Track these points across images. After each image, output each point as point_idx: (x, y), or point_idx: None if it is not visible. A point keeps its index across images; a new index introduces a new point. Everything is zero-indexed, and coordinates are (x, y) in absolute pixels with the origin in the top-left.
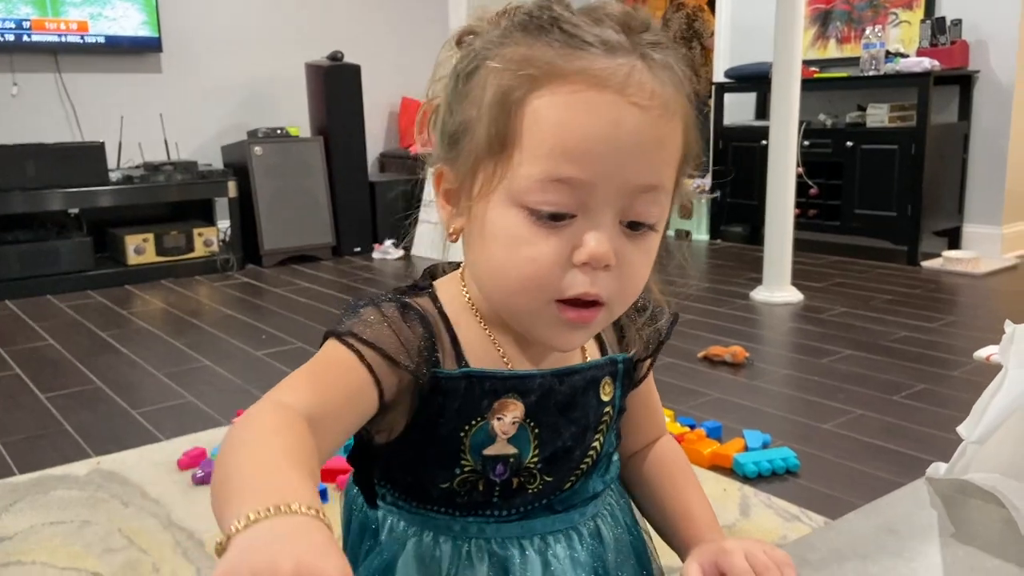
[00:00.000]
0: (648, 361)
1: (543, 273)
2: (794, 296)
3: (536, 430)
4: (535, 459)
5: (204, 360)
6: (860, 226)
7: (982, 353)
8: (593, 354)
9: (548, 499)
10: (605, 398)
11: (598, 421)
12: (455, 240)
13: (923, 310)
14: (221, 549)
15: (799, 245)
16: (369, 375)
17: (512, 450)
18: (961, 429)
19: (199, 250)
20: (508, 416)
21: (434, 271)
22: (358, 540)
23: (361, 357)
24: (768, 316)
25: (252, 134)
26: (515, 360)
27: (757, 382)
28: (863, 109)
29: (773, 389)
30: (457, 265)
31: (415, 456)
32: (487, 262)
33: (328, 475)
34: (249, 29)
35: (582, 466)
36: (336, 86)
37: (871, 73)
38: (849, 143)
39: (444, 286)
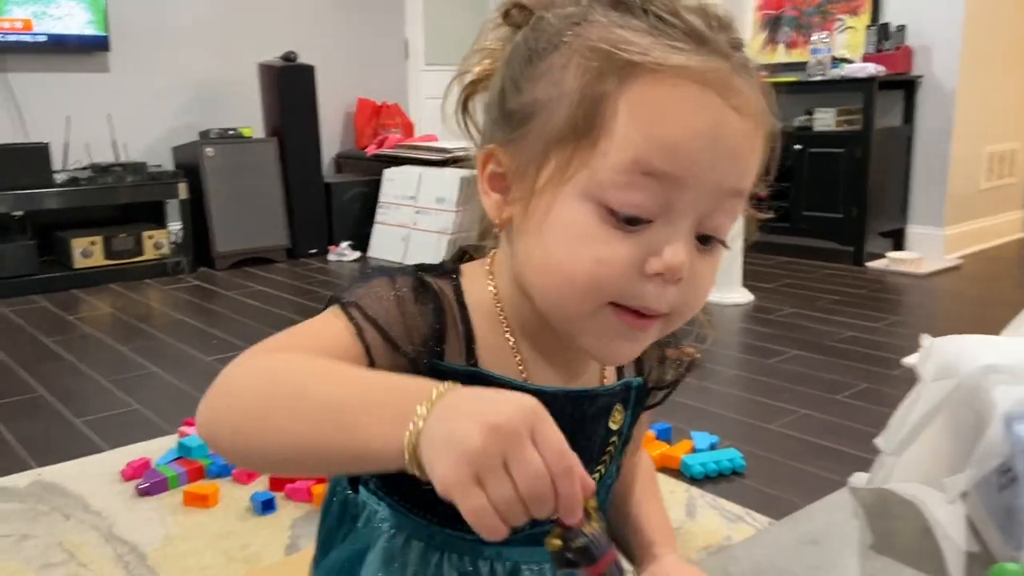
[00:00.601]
0: (663, 392)
1: (610, 277)
2: (744, 297)
3: None
4: None
5: (152, 367)
6: (808, 228)
7: (910, 360)
8: (611, 377)
9: (531, 529)
10: (614, 426)
11: (602, 451)
12: (502, 230)
13: (868, 310)
14: (413, 443)
15: (750, 246)
16: (364, 353)
17: None
18: (879, 441)
19: (149, 253)
20: None
21: (464, 253)
22: (337, 523)
23: (360, 332)
24: (719, 317)
25: (204, 135)
26: (533, 373)
27: (707, 383)
28: (811, 113)
29: (722, 390)
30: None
31: None
32: (543, 257)
33: (277, 484)
34: (200, 28)
35: None
36: (290, 86)
37: (818, 78)
38: (798, 146)
39: (471, 274)
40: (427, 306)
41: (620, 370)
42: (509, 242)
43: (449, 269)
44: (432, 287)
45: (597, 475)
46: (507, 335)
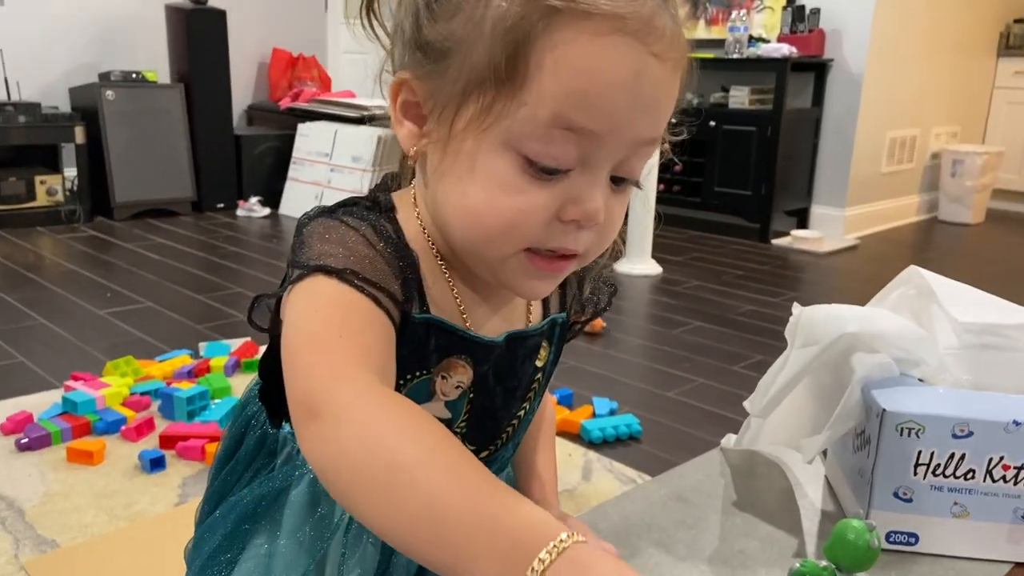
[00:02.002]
0: (580, 325)
1: (528, 225)
2: (653, 269)
3: (472, 396)
4: (463, 425)
5: (39, 318)
6: (719, 203)
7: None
8: (536, 315)
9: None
10: (539, 363)
11: (528, 388)
12: (414, 163)
13: (769, 285)
14: None
15: (663, 220)
16: (387, 320)
17: (446, 414)
18: (747, 404)
19: (41, 199)
20: (453, 379)
21: (388, 184)
22: (249, 459)
23: (377, 301)
24: (628, 287)
25: (104, 77)
26: (471, 313)
27: (611, 351)
28: (726, 91)
29: (625, 358)
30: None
31: None
32: (461, 201)
33: (168, 441)
34: None
35: (503, 435)
36: (199, 31)
37: (735, 56)
38: (712, 123)
39: (403, 208)
40: (402, 252)
41: (545, 305)
42: (424, 178)
43: (385, 206)
44: (391, 234)
45: (522, 412)
46: (446, 276)
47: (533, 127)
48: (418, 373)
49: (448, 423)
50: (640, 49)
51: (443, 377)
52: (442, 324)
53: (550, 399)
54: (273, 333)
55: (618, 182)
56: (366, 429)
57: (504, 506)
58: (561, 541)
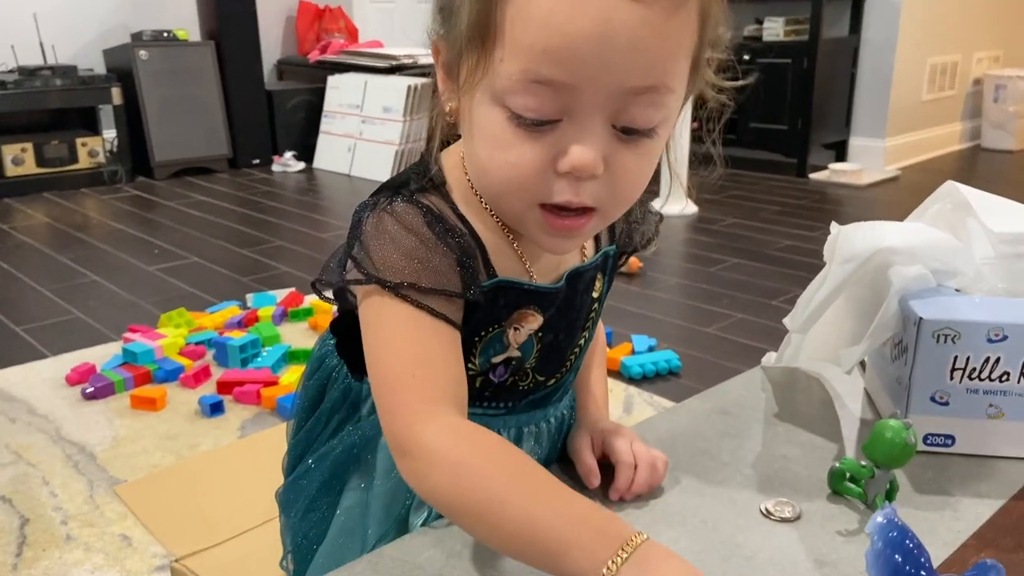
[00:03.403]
0: (628, 254)
1: (525, 179)
2: (689, 208)
3: (541, 335)
4: (533, 361)
5: (92, 275)
6: (755, 139)
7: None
8: (589, 248)
9: (534, 395)
10: (595, 295)
11: (586, 318)
12: (454, 122)
13: (808, 220)
14: None
15: (698, 159)
16: (449, 326)
17: (518, 355)
18: (786, 320)
19: (84, 161)
20: (525, 327)
21: (445, 142)
22: (333, 410)
23: (440, 317)
24: (664, 227)
25: (136, 37)
26: (533, 262)
27: (648, 291)
28: (760, 23)
29: (663, 297)
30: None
31: None
32: (473, 159)
33: (225, 387)
34: None
35: (567, 363)
36: None
37: None
38: (747, 56)
39: (451, 173)
40: (454, 241)
41: (597, 238)
42: (463, 136)
43: (438, 180)
44: (446, 220)
45: (582, 340)
46: (504, 231)
47: (511, 82)
48: (492, 328)
49: (520, 361)
50: None
51: (515, 328)
52: (509, 283)
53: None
54: (342, 308)
55: (629, 132)
56: (451, 472)
57: (586, 506)
58: (638, 534)
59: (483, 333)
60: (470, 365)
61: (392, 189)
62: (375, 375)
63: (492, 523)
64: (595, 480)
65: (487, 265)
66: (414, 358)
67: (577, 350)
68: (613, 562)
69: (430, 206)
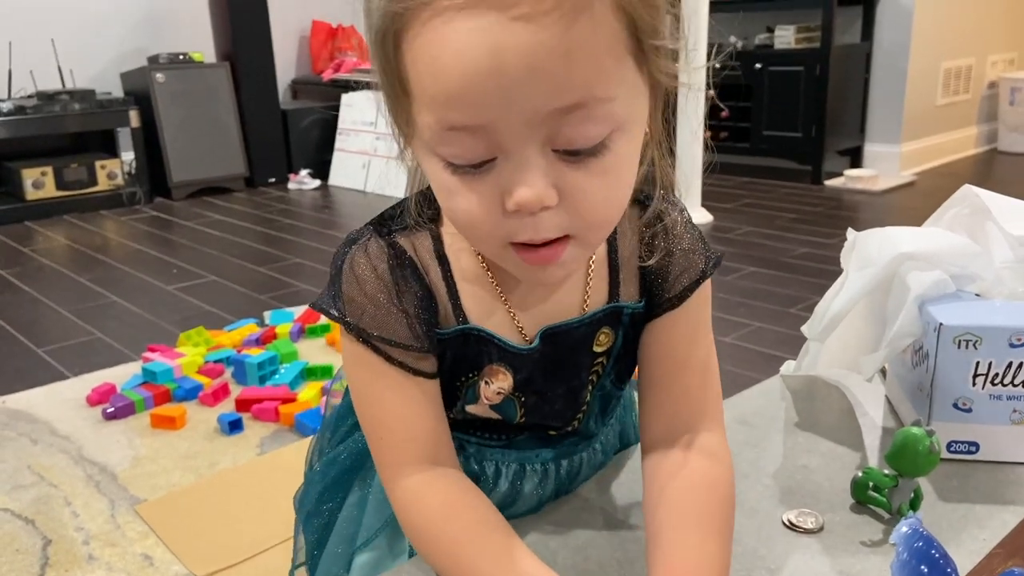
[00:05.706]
0: (675, 297)
1: (480, 223)
2: (703, 217)
3: (522, 399)
4: (521, 419)
5: (112, 296)
6: (768, 147)
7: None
8: (598, 298)
9: (537, 433)
10: (599, 349)
11: (589, 372)
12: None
13: (824, 227)
14: None
15: (711, 167)
16: (409, 375)
17: (495, 416)
18: (804, 328)
19: (103, 183)
20: (494, 384)
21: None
22: (337, 420)
23: (399, 364)
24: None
25: (153, 60)
26: (519, 308)
27: None
28: (772, 31)
29: None
30: None
31: None
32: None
33: (243, 405)
34: None
35: (574, 422)
36: (241, 9)
37: None
38: (758, 65)
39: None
40: (411, 281)
41: (614, 286)
42: None
43: (429, 216)
44: (404, 252)
45: (587, 396)
46: (488, 275)
47: (432, 133)
48: (471, 375)
49: (505, 420)
50: (493, 20)
51: (486, 382)
52: (478, 332)
53: (716, 464)
54: None
55: (573, 154)
56: (420, 517)
57: (532, 566)
58: None
59: (463, 379)
60: (455, 411)
61: (379, 222)
62: (357, 415)
63: (445, 562)
64: None
65: (456, 310)
66: (378, 421)
67: (585, 407)
68: None
69: (403, 248)
